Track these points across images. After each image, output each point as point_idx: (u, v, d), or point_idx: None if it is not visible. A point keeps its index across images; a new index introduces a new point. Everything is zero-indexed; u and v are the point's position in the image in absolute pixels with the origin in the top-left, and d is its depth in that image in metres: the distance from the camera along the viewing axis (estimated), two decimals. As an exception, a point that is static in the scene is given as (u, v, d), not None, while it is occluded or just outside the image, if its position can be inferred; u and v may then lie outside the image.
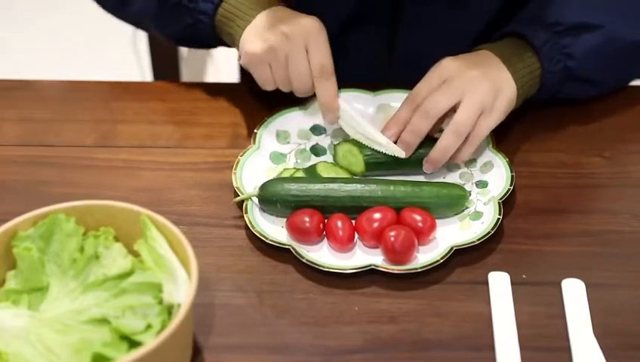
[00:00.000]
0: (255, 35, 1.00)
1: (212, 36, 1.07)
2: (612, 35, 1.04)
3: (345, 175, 0.99)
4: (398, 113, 0.99)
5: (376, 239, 0.91)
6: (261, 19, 1.01)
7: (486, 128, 0.97)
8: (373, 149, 0.99)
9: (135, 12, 1.13)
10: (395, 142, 0.99)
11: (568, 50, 1.02)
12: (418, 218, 0.92)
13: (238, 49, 1.04)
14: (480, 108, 0.96)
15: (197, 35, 1.09)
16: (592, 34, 1.03)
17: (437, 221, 0.94)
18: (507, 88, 0.99)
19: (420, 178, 0.99)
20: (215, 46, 1.12)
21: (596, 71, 1.06)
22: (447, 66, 0.98)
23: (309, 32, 0.98)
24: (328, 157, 1.03)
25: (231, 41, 1.05)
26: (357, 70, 1.11)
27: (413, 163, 0.98)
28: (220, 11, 1.04)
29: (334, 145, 1.02)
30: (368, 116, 1.06)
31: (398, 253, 0.89)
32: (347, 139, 1.01)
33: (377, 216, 0.92)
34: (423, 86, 0.98)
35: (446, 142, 0.96)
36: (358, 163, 0.99)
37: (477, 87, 0.96)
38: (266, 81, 1.01)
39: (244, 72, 1.38)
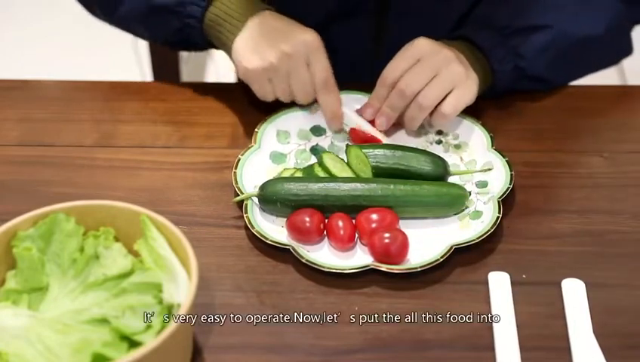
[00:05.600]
0: (251, 49, 1.00)
1: (202, 40, 1.08)
2: (560, 34, 1.07)
3: (348, 171, 0.99)
4: (377, 91, 1.02)
5: (371, 241, 0.91)
6: (254, 28, 1.01)
7: (455, 105, 0.99)
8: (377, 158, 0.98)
9: (123, 14, 1.12)
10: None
11: (518, 50, 1.06)
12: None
13: (229, 55, 1.04)
14: (451, 86, 0.99)
15: (187, 39, 1.09)
16: (540, 34, 1.07)
17: (437, 220, 0.95)
18: (474, 74, 1.02)
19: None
20: (206, 49, 1.13)
21: (547, 69, 1.09)
22: (422, 45, 1.00)
23: (309, 49, 0.99)
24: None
25: (220, 45, 1.06)
26: (343, 64, 1.12)
27: (416, 176, 0.98)
28: (208, 15, 1.04)
29: (347, 145, 1.02)
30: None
31: (390, 257, 0.89)
32: (355, 145, 1.01)
33: (376, 216, 0.92)
34: (398, 64, 1.00)
35: (410, 114, 1.01)
36: (367, 170, 0.98)
37: (451, 66, 0.99)
38: (266, 93, 1.03)
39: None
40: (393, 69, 1.01)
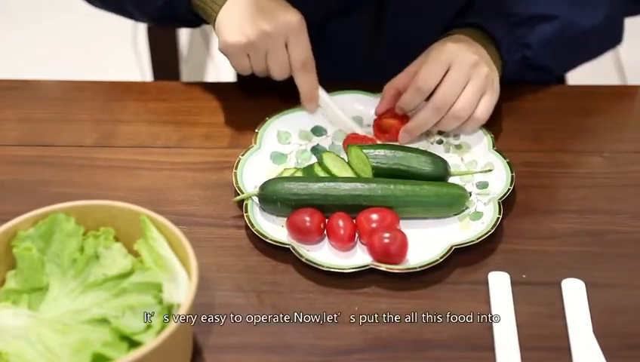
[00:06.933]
0: (233, 23, 1.00)
1: (188, 13, 1.08)
2: (566, 24, 1.08)
3: (348, 170, 0.99)
4: (411, 98, 1.01)
5: (371, 241, 0.90)
6: (237, 0, 1.01)
7: (487, 110, 1.01)
8: (378, 158, 0.98)
9: None
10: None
11: (525, 40, 1.07)
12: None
13: (213, 27, 1.04)
14: (482, 92, 1.00)
15: (174, 12, 1.09)
16: (547, 24, 1.07)
17: (437, 221, 0.95)
18: (495, 69, 1.04)
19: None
20: (195, 24, 1.13)
21: (552, 58, 1.10)
22: (452, 50, 1.01)
23: (289, 29, 0.99)
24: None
25: (206, 17, 1.06)
26: (343, 63, 1.11)
27: (416, 177, 0.97)
28: None
29: (348, 145, 1.01)
30: (370, 117, 1.06)
31: (390, 257, 0.89)
32: (355, 145, 1.01)
33: (377, 216, 0.92)
34: (433, 71, 1.00)
35: (444, 124, 1.01)
36: (367, 170, 0.98)
37: (480, 70, 1.00)
38: (243, 68, 1.03)
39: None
40: (428, 77, 1.00)
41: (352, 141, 1.03)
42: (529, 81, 1.12)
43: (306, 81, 1.03)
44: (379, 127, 1.05)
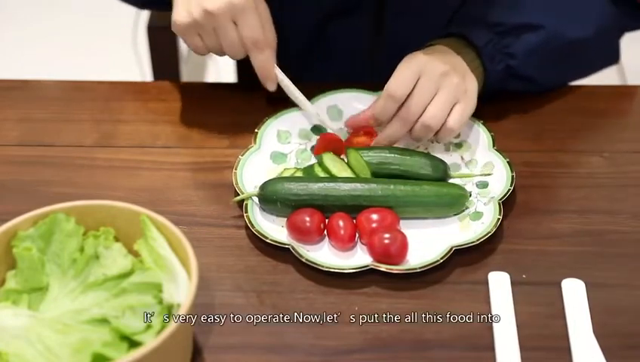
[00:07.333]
0: (184, 3, 0.99)
1: None
2: (551, 35, 1.06)
3: (348, 171, 0.99)
4: (384, 105, 0.99)
5: (371, 241, 0.90)
6: None
7: (460, 120, 0.99)
8: (379, 159, 0.98)
9: None
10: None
11: (509, 49, 1.05)
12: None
13: None
14: (454, 101, 0.99)
15: None
16: (532, 34, 1.06)
17: (437, 221, 0.95)
18: (472, 80, 1.02)
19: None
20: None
21: (537, 69, 1.08)
22: (421, 60, 0.99)
23: (233, 8, 0.96)
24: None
25: None
26: (343, 63, 1.11)
27: (415, 178, 0.98)
28: None
29: (347, 147, 1.01)
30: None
31: (390, 257, 0.89)
32: (354, 148, 1.00)
33: (377, 216, 0.92)
34: (399, 81, 0.98)
35: (416, 135, 1.00)
36: (366, 173, 0.98)
37: (450, 80, 0.98)
38: (197, 48, 1.01)
39: (240, 72, 1.38)
40: (398, 83, 0.98)
41: (323, 144, 1.02)
42: (514, 91, 1.10)
43: (259, 60, 1.00)
44: (350, 144, 1.03)
